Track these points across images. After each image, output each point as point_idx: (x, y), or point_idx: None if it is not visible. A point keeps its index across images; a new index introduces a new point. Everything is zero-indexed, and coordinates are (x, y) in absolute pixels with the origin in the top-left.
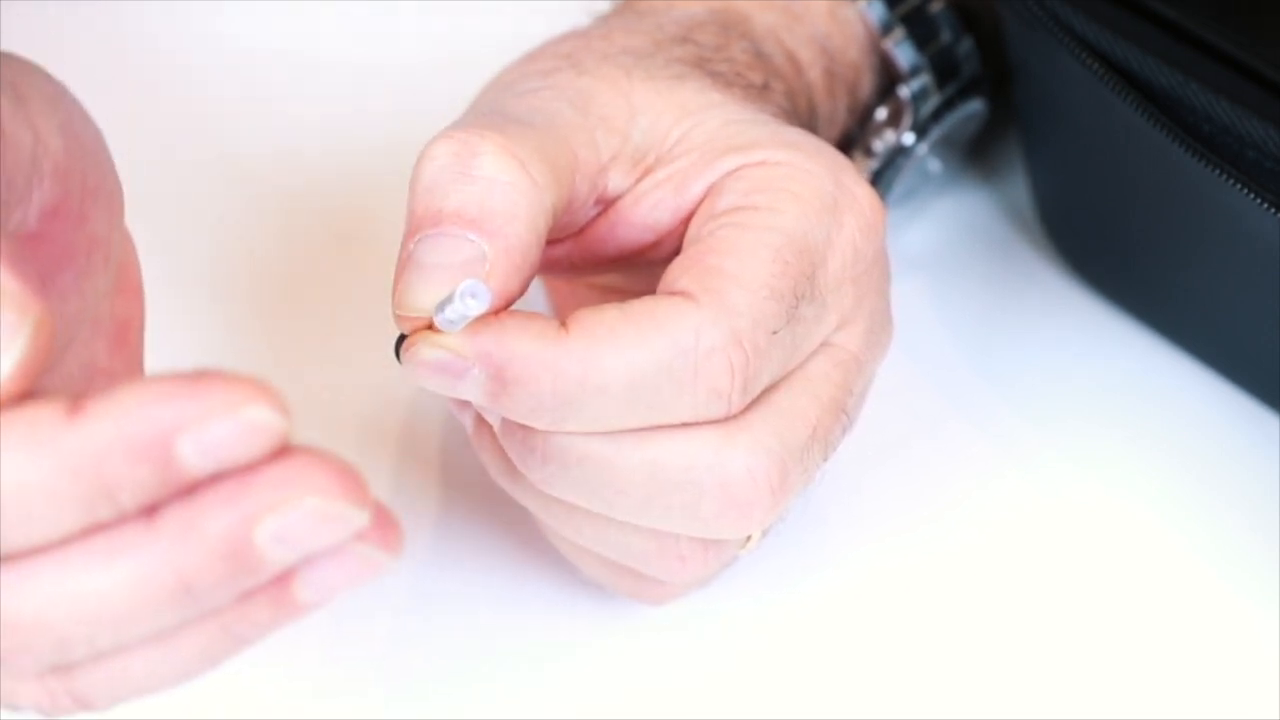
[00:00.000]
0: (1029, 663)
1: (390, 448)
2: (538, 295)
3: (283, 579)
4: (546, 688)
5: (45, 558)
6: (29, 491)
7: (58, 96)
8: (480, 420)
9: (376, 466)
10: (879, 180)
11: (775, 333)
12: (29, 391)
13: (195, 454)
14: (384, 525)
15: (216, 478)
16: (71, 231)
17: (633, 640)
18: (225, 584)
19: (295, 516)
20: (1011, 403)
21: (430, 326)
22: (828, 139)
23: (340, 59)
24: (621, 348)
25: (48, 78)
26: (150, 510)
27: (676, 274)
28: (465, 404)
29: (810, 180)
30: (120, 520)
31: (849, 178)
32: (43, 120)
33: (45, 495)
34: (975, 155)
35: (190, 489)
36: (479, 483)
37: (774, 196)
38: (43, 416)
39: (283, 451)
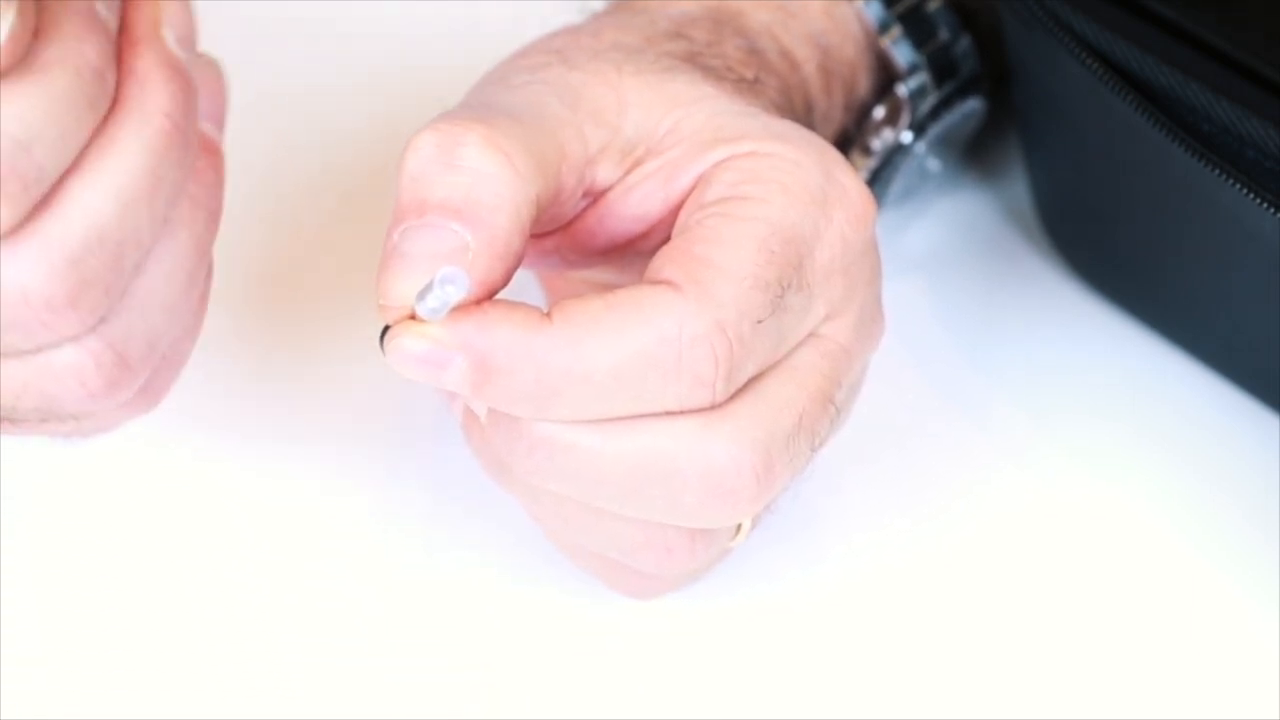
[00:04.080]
0: (1024, 658)
1: (381, 441)
2: (534, 294)
3: (198, 141)
4: (538, 682)
5: (73, 179)
6: (56, 116)
7: None
8: (470, 412)
9: (368, 460)
10: (877, 179)
11: (760, 322)
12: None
13: (106, 12)
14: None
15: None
16: None
17: (624, 634)
18: (186, 101)
19: (170, 10)
20: (1010, 401)
21: (414, 317)
22: (824, 137)
23: (334, 54)
24: (605, 336)
25: None
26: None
27: (662, 263)
28: (455, 395)
29: (798, 172)
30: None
31: (838, 170)
32: None
33: (68, 107)
34: (975, 155)
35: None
36: (470, 476)
37: (762, 187)
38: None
39: None
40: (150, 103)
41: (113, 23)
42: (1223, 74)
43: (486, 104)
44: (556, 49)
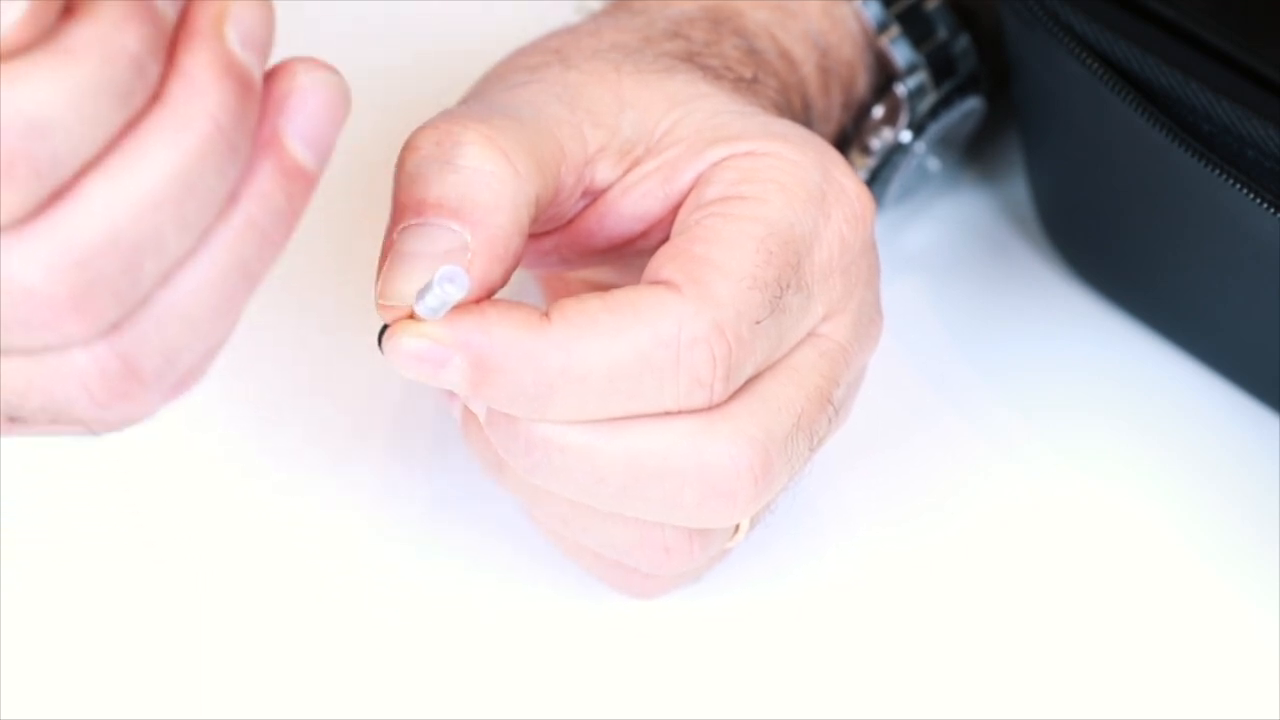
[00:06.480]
0: (1023, 656)
1: (381, 441)
2: (533, 294)
3: (273, 144)
4: (537, 681)
5: (93, 174)
6: (79, 103)
7: None
8: (469, 411)
9: (367, 459)
10: (876, 178)
11: (759, 323)
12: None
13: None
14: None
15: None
16: None
17: (623, 635)
18: (239, 107)
19: (240, 9)
20: (1009, 400)
21: (412, 316)
22: (823, 136)
23: (332, 54)
24: (602, 337)
25: None
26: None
27: (661, 263)
28: (455, 395)
29: (797, 171)
30: (144, 107)
31: (837, 169)
32: None
33: (93, 95)
34: (974, 154)
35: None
36: (469, 476)
37: (760, 187)
38: (52, 36)
39: None
40: (194, 103)
41: (170, 11)
42: (1223, 74)
43: (485, 103)
44: (555, 49)
